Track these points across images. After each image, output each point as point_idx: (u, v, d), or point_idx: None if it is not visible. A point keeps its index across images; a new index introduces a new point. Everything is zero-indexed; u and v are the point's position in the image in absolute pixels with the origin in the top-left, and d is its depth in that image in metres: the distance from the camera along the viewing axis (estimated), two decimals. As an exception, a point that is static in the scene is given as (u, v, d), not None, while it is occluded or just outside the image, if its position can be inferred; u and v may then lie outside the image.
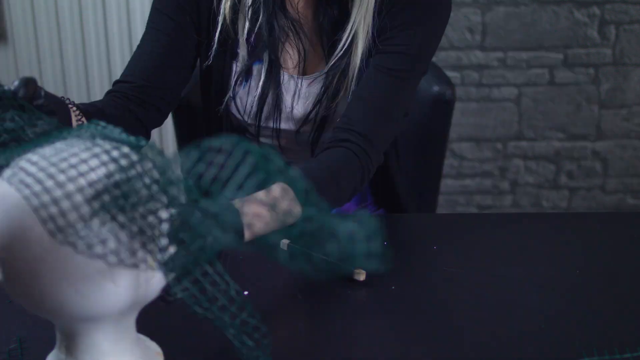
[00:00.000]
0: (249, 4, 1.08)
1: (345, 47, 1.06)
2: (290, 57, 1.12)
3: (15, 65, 2.31)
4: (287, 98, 1.13)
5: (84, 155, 0.53)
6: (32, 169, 0.52)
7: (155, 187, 0.53)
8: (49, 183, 0.51)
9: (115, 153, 0.54)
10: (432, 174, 1.43)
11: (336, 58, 1.07)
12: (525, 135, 2.55)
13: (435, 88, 1.36)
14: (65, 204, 0.50)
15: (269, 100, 1.12)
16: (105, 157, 0.53)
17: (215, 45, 1.09)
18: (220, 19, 1.08)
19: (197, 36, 1.12)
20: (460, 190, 2.62)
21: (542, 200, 2.63)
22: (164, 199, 0.53)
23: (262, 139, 1.19)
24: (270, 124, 1.14)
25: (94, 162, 0.53)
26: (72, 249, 0.51)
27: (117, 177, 0.52)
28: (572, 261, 0.91)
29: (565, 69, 2.48)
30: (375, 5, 1.05)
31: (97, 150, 0.54)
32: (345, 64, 1.08)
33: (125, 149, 0.54)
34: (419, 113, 1.36)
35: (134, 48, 2.25)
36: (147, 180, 0.53)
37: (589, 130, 2.55)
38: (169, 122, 2.35)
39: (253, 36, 1.10)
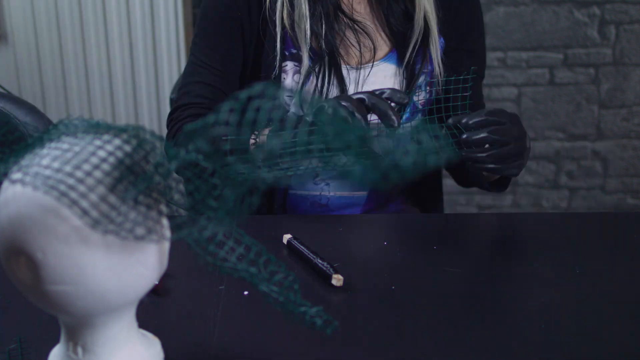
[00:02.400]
0: (307, 13, 1.11)
1: (419, 37, 1.13)
2: (349, 52, 1.15)
3: (15, 65, 2.31)
4: (351, 91, 1.15)
5: (90, 148, 0.55)
6: (48, 172, 0.54)
7: (163, 164, 0.55)
8: (71, 181, 0.53)
9: (117, 141, 0.56)
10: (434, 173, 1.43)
11: (411, 49, 1.13)
12: (525, 135, 2.55)
13: None
14: (93, 197, 0.53)
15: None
16: (109, 147, 0.55)
17: (279, 56, 1.12)
18: (279, 29, 1.12)
19: (244, 39, 1.16)
20: (460, 190, 2.62)
21: (542, 200, 2.63)
22: (174, 171, 0.56)
23: None
24: None
25: (101, 153, 0.55)
26: (114, 237, 0.53)
27: (128, 161, 0.55)
28: (572, 261, 0.91)
29: (565, 69, 2.48)
30: None
31: (98, 142, 0.56)
32: (422, 51, 1.14)
33: (124, 136, 0.56)
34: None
35: (134, 48, 2.27)
36: (153, 159, 0.55)
37: (589, 130, 2.55)
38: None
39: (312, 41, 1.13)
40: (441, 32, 1.17)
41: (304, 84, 1.13)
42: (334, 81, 1.13)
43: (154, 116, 2.36)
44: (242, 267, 0.58)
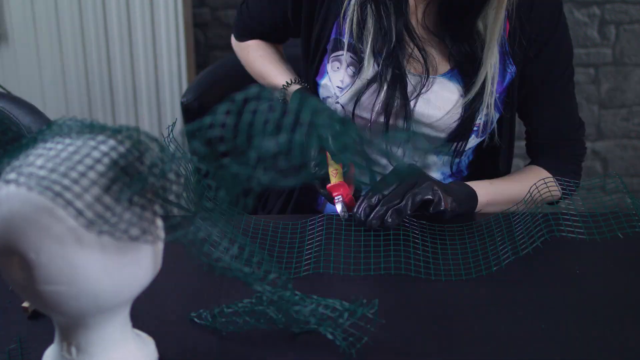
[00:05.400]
0: (372, 29, 1.08)
1: (480, 60, 1.08)
2: (412, 64, 1.12)
3: (16, 65, 2.31)
4: (419, 104, 1.12)
5: (84, 149, 0.55)
6: (43, 172, 0.54)
7: (158, 164, 0.55)
8: (65, 181, 0.53)
9: (112, 142, 0.56)
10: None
11: (475, 75, 1.09)
12: (525, 135, 2.55)
13: None
14: (87, 197, 0.53)
15: (395, 110, 1.11)
16: (104, 147, 0.55)
17: (345, 47, 1.12)
18: (347, 35, 1.10)
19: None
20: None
21: (542, 200, 2.63)
22: (169, 173, 0.56)
23: None
24: None
25: (96, 154, 0.55)
26: (109, 238, 0.53)
27: (122, 162, 0.55)
28: (572, 261, 0.91)
29: (565, 69, 2.48)
30: (506, 14, 1.07)
31: (93, 143, 0.56)
32: (480, 72, 1.09)
33: (119, 137, 0.57)
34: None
35: (134, 48, 2.26)
36: (148, 160, 0.55)
37: (589, 130, 2.55)
38: (178, 125, 2.34)
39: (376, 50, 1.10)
40: (515, 61, 1.12)
41: (362, 92, 1.11)
42: (397, 95, 1.10)
43: (153, 116, 2.36)
44: (235, 266, 0.59)
